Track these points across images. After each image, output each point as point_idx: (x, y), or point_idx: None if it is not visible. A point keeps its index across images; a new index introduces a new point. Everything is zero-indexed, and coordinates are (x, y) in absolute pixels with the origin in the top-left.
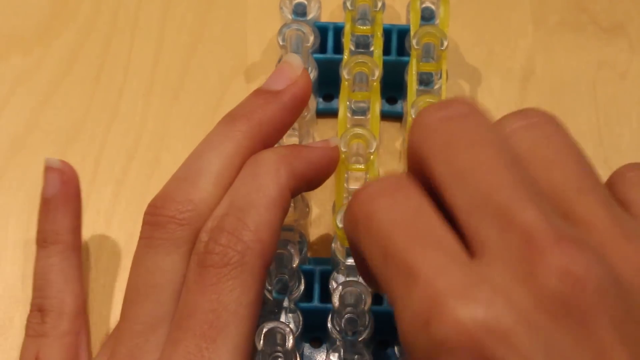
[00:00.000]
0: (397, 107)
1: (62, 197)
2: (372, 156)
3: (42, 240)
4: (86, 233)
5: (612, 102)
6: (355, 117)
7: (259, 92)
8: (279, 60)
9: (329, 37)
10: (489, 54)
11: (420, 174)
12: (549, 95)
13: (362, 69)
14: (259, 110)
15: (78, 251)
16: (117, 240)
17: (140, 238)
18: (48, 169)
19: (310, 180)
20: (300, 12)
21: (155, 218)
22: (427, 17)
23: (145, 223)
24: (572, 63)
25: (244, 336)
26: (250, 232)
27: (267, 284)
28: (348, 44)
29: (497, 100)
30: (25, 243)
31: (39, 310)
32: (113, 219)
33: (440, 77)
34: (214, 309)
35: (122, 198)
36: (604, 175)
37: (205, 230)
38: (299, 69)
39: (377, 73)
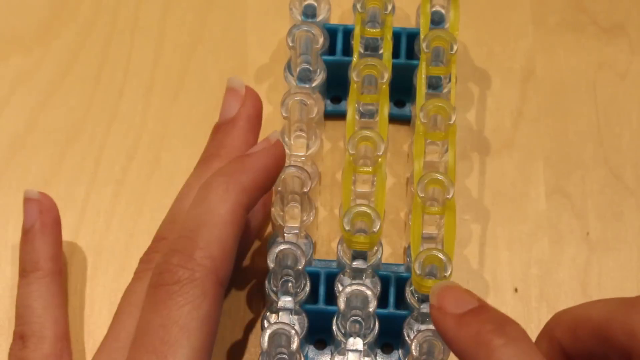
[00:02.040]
0: (405, 110)
1: (40, 226)
2: (380, 159)
3: (22, 270)
4: (86, 233)
5: (612, 102)
6: (364, 119)
7: (217, 128)
8: (288, 62)
9: (338, 39)
10: (489, 54)
11: None
12: (549, 95)
13: (372, 72)
14: (224, 143)
15: (58, 278)
16: (117, 240)
17: (135, 272)
18: (26, 200)
19: (263, 186)
20: (310, 13)
21: (146, 257)
22: (437, 20)
23: (139, 263)
24: (572, 63)
25: (197, 350)
26: (200, 249)
27: (272, 285)
28: (357, 46)
29: (497, 100)
30: None
31: (20, 337)
32: (113, 219)
33: (450, 80)
34: (164, 324)
35: (122, 198)
36: (604, 174)
37: (161, 253)
38: (243, 89)
39: (387, 76)
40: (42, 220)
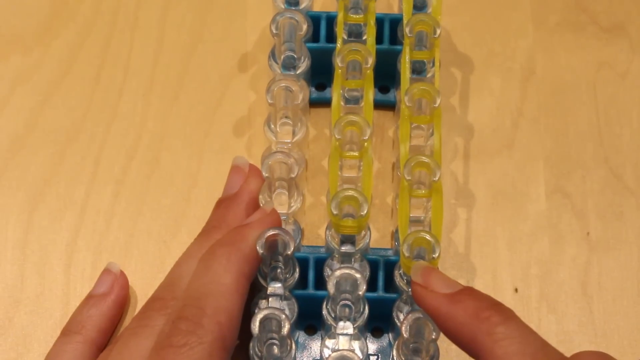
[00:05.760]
0: (390, 96)
1: (105, 298)
2: (366, 143)
3: (67, 329)
4: (86, 233)
5: (612, 102)
6: (349, 105)
7: (220, 202)
8: (272, 49)
9: (321, 27)
10: (489, 54)
11: None
12: (549, 95)
13: (356, 57)
14: (225, 217)
15: (96, 351)
16: (117, 240)
17: (127, 328)
18: (106, 271)
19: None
20: (292, 1)
21: (142, 314)
22: (419, 6)
23: (134, 320)
24: (572, 63)
25: None
26: (207, 317)
27: (261, 271)
28: (341, 33)
29: (497, 100)
30: (25, 243)
31: None
32: (113, 219)
33: (433, 65)
34: None
35: (122, 198)
36: (604, 174)
37: (167, 322)
38: (246, 168)
39: (371, 61)
40: (109, 294)
